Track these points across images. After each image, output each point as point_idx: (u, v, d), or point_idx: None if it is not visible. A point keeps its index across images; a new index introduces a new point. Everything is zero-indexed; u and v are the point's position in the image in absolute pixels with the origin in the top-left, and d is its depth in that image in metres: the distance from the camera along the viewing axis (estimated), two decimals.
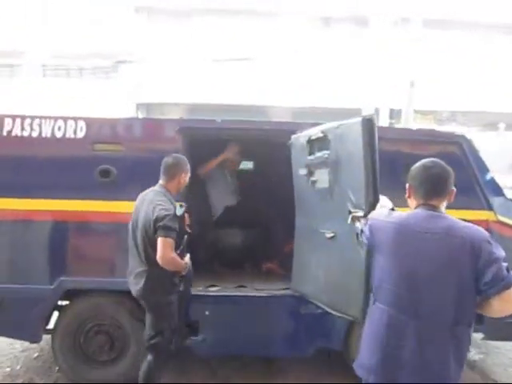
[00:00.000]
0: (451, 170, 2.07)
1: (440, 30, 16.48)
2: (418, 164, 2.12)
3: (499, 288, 1.77)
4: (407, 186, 2.13)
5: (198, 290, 3.63)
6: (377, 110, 14.23)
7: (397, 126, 13.11)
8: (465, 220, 3.72)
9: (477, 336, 3.95)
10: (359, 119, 2.67)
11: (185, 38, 16.28)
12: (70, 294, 3.54)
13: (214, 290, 3.68)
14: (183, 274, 3.06)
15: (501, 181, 4.02)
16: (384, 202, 2.46)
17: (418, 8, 15.21)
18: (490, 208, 3.60)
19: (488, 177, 3.74)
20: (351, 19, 16.81)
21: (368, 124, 2.63)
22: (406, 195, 2.14)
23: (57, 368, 3.78)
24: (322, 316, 3.34)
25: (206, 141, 3.78)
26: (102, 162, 3.47)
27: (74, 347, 3.56)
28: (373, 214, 2.27)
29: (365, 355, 2.08)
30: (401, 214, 2.10)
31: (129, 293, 3.45)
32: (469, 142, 3.72)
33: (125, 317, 3.53)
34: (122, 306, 3.53)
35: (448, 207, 3.86)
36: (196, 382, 3.69)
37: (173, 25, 16.61)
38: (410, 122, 12.85)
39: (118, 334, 3.56)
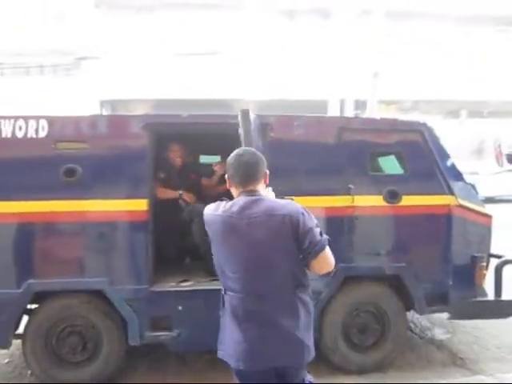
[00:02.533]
0: (261, 155, 2.18)
1: (402, 21, 16.81)
2: (231, 155, 2.19)
3: (314, 253, 2.04)
4: (226, 177, 2.20)
5: (170, 285, 3.63)
6: (342, 101, 14.42)
7: (362, 116, 13.33)
8: (428, 205, 3.83)
9: (443, 316, 4.11)
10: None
11: (148, 32, 16.04)
12: (39, 297, 3.47)
13: (186, 285, 3.68)
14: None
15: (462, 166, 4.16)
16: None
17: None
18: (451, 193, 3.72)
19: (449, 163, 3.87)
20: (315, 12, 16.94)
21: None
22: (228, 186, 2.21)
23: (29, 372, 3.71)
24: None
25: (172, 136, 3.75)
26: (67, 161, 3.40)
27: (45, 350, 3.49)
28: (205, 209, 2.26)
29: (230, 344, 2.14)
30: (226, 204, 2.14)
31: (99, 292, 3.42)
32: (430, 130, 3.84)
33: (96, 316, 3.49)
34: (94, 306, 3.49)
35: (411, 193, 3.96)
36: (171, 377, 3.69)
37: (135, 20, 16.33)
38: (375, 112, 13.08)
39: (91, 334, 3.52)
